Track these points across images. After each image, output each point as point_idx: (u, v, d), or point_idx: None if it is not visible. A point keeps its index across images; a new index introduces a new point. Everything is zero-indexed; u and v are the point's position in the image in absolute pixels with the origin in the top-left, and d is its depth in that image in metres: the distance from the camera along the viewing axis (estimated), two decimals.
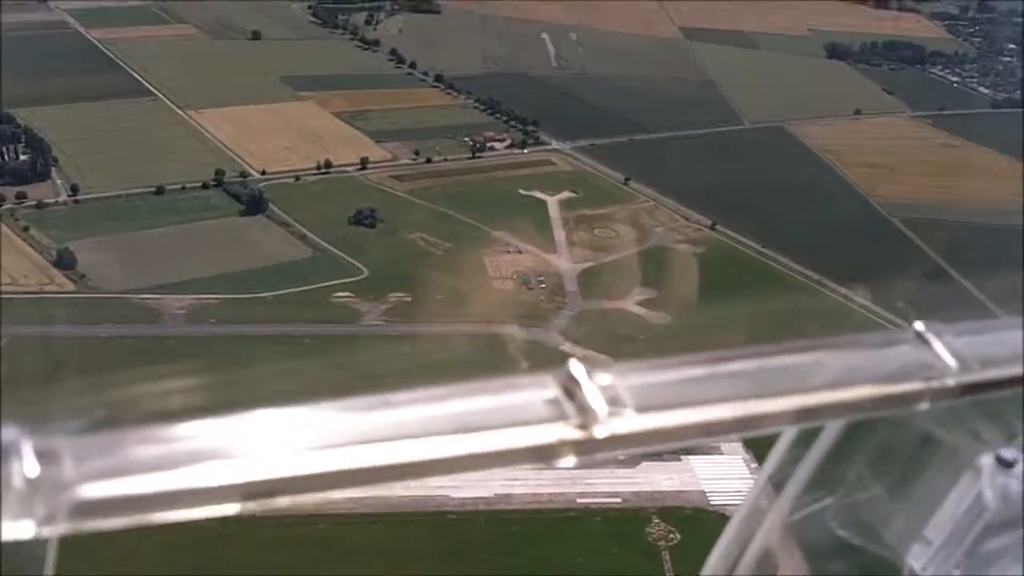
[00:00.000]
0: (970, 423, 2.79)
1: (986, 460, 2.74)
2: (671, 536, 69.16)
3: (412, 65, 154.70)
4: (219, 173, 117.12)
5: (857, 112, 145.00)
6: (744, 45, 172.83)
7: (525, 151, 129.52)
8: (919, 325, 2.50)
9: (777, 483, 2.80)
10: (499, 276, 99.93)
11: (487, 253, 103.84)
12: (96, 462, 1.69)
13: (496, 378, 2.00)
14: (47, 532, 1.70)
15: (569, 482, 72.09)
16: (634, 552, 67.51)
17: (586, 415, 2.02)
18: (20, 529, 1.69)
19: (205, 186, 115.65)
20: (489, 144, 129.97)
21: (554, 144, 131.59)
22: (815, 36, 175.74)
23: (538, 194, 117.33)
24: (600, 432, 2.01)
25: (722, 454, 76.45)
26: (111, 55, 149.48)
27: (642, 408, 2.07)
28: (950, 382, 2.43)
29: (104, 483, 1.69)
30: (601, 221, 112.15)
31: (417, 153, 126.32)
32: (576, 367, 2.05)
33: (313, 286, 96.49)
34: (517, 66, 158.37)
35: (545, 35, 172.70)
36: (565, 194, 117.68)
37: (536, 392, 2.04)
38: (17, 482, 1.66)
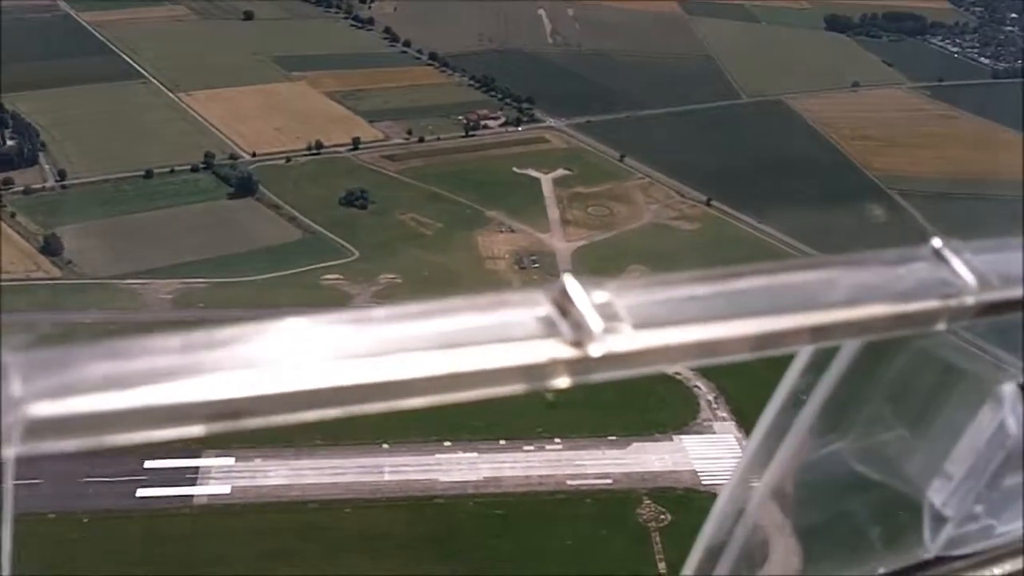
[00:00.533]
0: (992, 349, 2.66)
1: (1009, 387, 2.60)
2: (662, 517, 67.88)
3: (406, 43, 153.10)
4: (208, 156, 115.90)
5: (855, 85, 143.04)
6: (744, 18, 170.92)
7: (520, 129, 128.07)
8: (937, 242, 2.37)
9: (789, 412, 2.59)
10: (491, 256, 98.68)
11: (480, 233, 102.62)
12: (48, 379, 1.62)
13: (484, 295, 1.90)
14: None
15: (559, 464, 71.01)
16: (624, 534, 66.26)
17: (581, 332, 1.89)
18: None
19: (194, 169, 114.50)
20: (483, 122, 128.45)
21: (549, 121, 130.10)
22: (816, 8, 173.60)
23: (532, 172, 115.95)
24: (595, 350, 1.88)
25: (714, 433, 75.32)
26: (102, 38, 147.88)
27: (641, 325, 1.96)
28: (969, 300, 2.33)
29: (57, 401, 1.61)
30: (595, 199, 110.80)
31: (410, 132, 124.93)
32: (571, 283, 1.94)
33: (303, 268, 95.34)
34: (513, 43, 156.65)
35: (542, 11, 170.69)
36: (560, 172, 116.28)
37: (527, 309, 1.92)
38: None
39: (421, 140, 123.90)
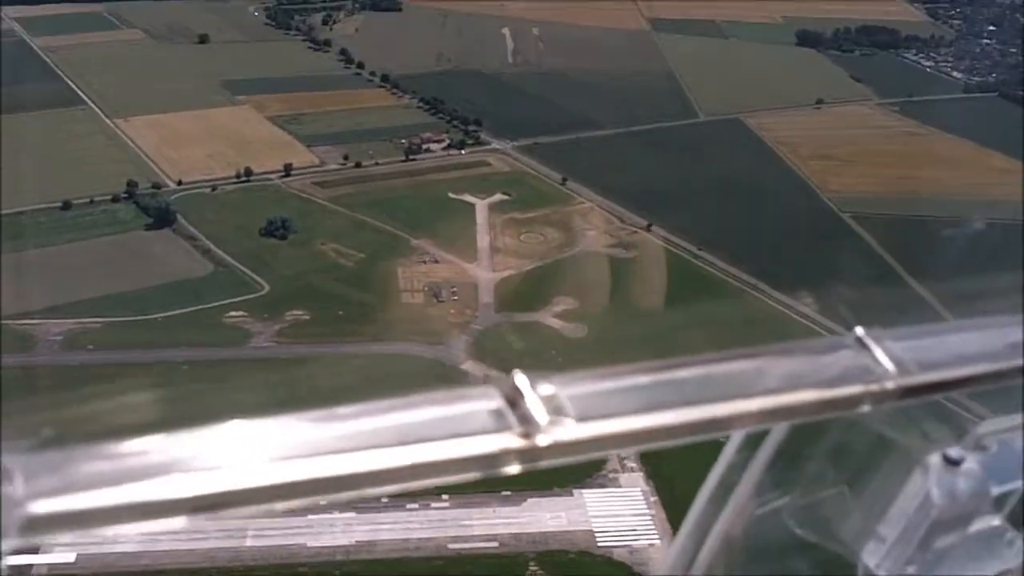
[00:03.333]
0: (920, 423, 2.88)
1: (934, 459, 2.80)
2: None
3: (360, 65, 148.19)
4: (131, 185, 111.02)
5: (819, 101, 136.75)
6: (714, 35, 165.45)
7: (463, 152, 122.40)
8: (859, 330, 2.58)
9: (727, 486, 2.83)
10: (409, 289, 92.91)
11: (401, 263, 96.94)
12: (46, 479, 1.77)
13: (441, 390, 2.07)
14: None
15: (441, 525, 64.71)
16: None
17: (529, 424, 2.08)
18: None
19: (115, 199, 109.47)
20: (425, 146, 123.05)
21: (495, 144, 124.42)
22: (789, 24, 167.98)
23: (468, 197, 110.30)
24: (543, 440, 2.07)
25: (620, 486, 68.99)
26: (51, 63, 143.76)
27: (583, 416, 2.15)
28: (890, 385, 2.53)
29: (54, 499, 1.76)
30: (530, 225, 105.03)
31: (346, 158, 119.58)
32: (519, 378, 2.13)
33: (207, 305, 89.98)
34: (471, 63, 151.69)
35: (506, 31, 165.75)
36: (497, 197, 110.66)
37: (480, 403, 2.10)
38: None
39: (358, 165, 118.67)
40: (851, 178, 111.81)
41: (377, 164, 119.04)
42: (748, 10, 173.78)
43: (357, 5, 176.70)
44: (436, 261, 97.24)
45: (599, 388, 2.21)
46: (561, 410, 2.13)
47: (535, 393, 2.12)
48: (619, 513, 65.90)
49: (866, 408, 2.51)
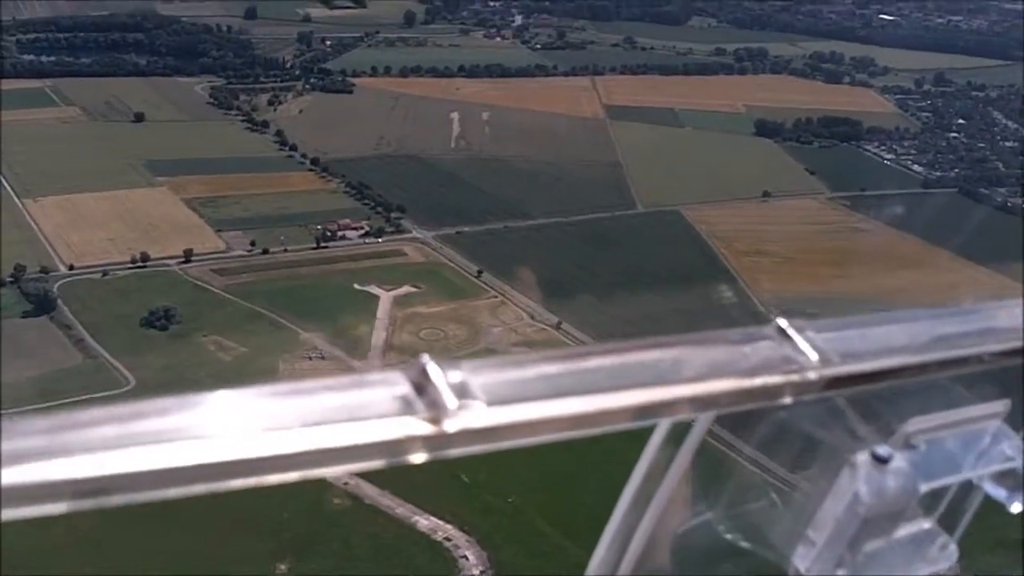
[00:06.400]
0: (847, 422, 2.81)
1: (862, 457, 2.72)
2: None
3: (293, 148, 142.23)
4: (18, 269, 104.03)
5: (766, 194, 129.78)
6: (669, 123, 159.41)
7: (379, 240, 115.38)
8: (781, 321, 2.53)
9: (652, 484, 2.74)
10: None
11: (284, 360, 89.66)
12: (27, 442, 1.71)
13: (342, 375, 1.97)
14: None
15: None
16: None
17: (436, 409, 1.99)
18: None
19: (0, 283, 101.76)
20: (341, 232, 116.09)
21: (415, 232, 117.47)
22: (749, 113, 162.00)
23: (374, 289, 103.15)
24: (451, 426, 1.98)
25: None
26: None
27: (494, 401, 2.06)
28: (812, 376, 2.46)
29: (33, 465, 1.69)
30: (434, 320, 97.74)
31: (253, 243, 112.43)
32: (427, 362, 2.04)
33: (63, 401, 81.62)
34: (411, 147, 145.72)
35: (455, 115, 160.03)
36: (405, 289, 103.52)
37: (385, 388, 2.00)
38: None
39: (265, 252, 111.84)
40: (785, 276, 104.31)
41: (286, 251, 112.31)
42: (709, 97, 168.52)
43: (307, 87, 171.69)
44: (322, 358, 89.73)
45: (512, 375, 2.12)
46: (471, 395, 2.03)
47: (444, 378, 2.02)
48: None
49: (788, 399, 2.42)
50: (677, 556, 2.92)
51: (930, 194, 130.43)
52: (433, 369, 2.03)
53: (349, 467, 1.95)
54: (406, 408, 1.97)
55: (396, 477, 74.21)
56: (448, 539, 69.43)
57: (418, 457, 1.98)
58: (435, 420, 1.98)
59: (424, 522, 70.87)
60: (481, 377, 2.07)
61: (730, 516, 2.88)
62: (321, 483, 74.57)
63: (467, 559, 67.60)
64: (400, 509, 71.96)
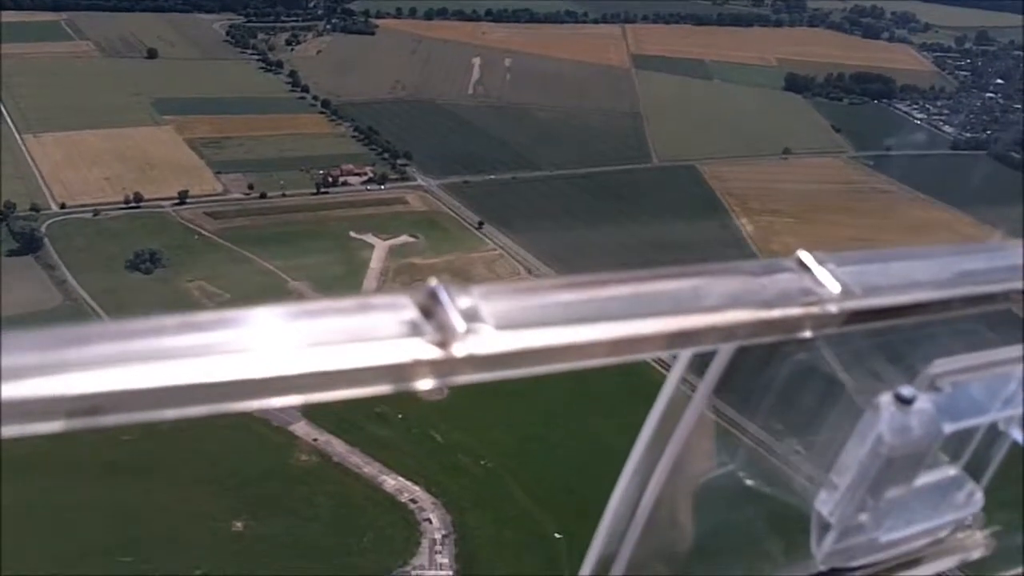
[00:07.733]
0: (871, 363, 2.71)
1: (885, 399, 2.65)
2: None
3: (305, 89, 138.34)
4: (8, 207, 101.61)
5: (786, 151, 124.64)
6: (697, 75, 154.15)
7: (382, 188, 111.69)
8: (802, 253, 2.45)
9: (671, 419, 2.68)
10: None
11: None
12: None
13: (347, 297, 1.89)
14: None
15: None
16: None
17: (444, 333, 1.90)
18: None
19: None
20: (343, 178, 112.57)
21: (420, 180, 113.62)
22: (781, 67, 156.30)
23: (370, 237, 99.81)
24: (459, 350, 1.90)
25: None
26: None
27: (505, 327, 1.98)
28: (832, 308, 2.39)
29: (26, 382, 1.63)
30: (427, 272, 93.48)
31: (251, 187, 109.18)
32: (435, 286, 1.94)
33: None
34: (426, 93, 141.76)
35: (476, 60, 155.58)
36: (402, 238, 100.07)
37: (391, 312, 1.91)
38: None
39: (262, 196, 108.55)
40: (795, 237, 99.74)
41: (284, 196, 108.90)
42: (742, 49, 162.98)
43: (328, 27, 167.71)
44: None
45: (526, 301, 2.02)
46: (482, 319, 1.93)
47: (453, 303, 1.91)
48: None
49: (808, 332, 2.34)
50: (697, 497, 2.82)
51: (958, 156, 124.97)
52: (442, 293, 1.92)
53: (351, 392, 1.83)
54: (413, 331, 1.87)
55: (367, 435, 71.43)
56: (414, 500, 66.50)
57: (425, 383, 1.89)
58: (443, 344, 1.87)
59: (391, 482, 67.99)
60: (493, 302, 1.98)
61: (750, 459, 2.80)
62: (289, 439, 72.03)
63: (430, 522, 64.60)
64: (368, 468, 69.09)
